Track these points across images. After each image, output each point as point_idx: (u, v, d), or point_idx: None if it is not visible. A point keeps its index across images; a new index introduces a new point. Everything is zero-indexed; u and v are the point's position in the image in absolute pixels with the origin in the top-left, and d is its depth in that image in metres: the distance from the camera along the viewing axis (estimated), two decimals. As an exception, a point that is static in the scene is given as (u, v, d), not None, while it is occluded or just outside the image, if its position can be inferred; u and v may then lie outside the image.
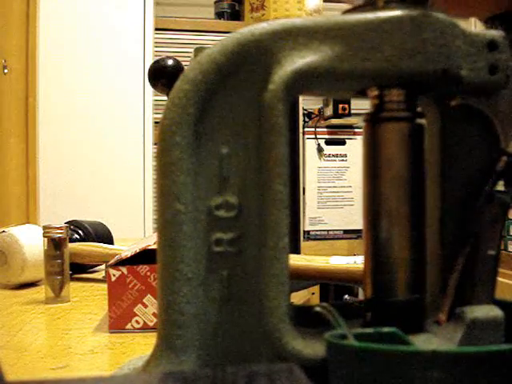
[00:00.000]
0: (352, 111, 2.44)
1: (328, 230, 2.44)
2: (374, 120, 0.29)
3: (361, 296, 2.26)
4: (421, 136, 0.29)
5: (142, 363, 0.30)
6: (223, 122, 0.29)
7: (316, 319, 0.30)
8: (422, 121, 0.29)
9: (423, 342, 0.27)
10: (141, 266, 0.52)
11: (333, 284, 2.00)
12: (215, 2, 2.49)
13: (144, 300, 0.52)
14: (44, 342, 0.50)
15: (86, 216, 1.01)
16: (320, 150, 2.43)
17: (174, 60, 0.61)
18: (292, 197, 0.28)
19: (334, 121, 2.44)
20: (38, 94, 1.95)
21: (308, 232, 2.42)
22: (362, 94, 0.31)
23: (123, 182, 2.02)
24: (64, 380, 0.24)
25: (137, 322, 0.52)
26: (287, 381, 0.22)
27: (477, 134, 0.31)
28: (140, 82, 2.02)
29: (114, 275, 0.52)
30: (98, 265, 0.86)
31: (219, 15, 2.47)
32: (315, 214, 2.43)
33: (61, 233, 0.65)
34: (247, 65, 0.29)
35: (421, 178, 0.29)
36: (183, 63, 0.62)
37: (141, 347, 0.48)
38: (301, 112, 2.33)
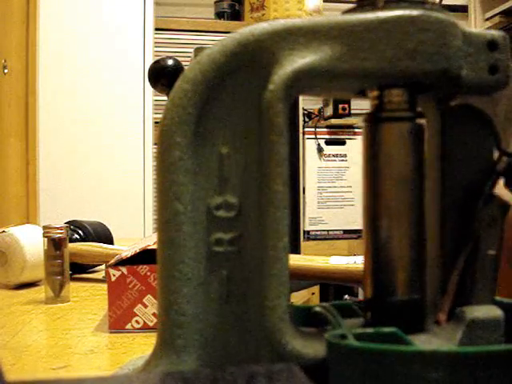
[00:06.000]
0: (352, 111, 2.44)
1: (328, 230, 2.44)
2: (373, 120, 0.29)
3: (361, 296, 2.26)
4: (421, 136, 0.29)
5: (142, 363, 0.30)
6: (223, 122, 0.29)
7: (316, 319, 0.30)
8: (422, 121, 0.29)
9: (423, 342, 0.27)
10: (141, 266, 0.52)
11: (333, 284, 2.01)
12: (215, 2, 2.49)
13: (144, 300, 0.52)
14: (44, 342, 0.50)
15: (86, 216, 1.00)
16: (320, 149, 2.43)
17: (174, 60, 0.61)
18: (292, 197, 0.28)
19: (334, 121, 2.44)
20: (38, 94, 1.95)
21: (308, 232, 2.43)
22: (361, 94, 0.31)
23: (123, 181, 2.01)
24: (64, 380, 0.24)
25: (137, 322, 0.52)
26: (287, 381, 0.22)
27: (477, 134, 0.31)
28: (140, 82, 2.02)
29: (113, 275, 0.52)
30: (98, 265, 0.86)
31: (219, 15, 2.47)
32: (315, 214, 2.43)
33: (61, 233, 0.65)
34: (247, 65, 0.29)
35: (421, 177, 0.29)
36: (183, 63, 0.62)
37: (141, 347, 0.48)
38: (301, 112, 2.33)
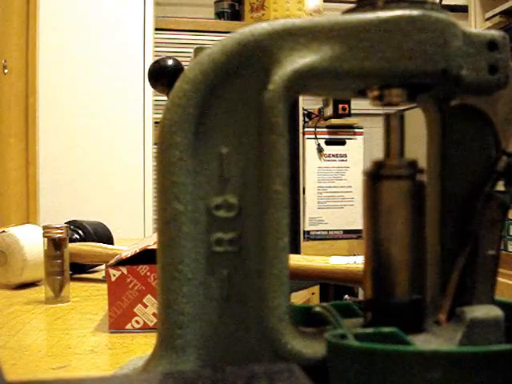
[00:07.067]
0: (352, 111, 2.44)
1: (328, 230, 2.44)
2: (373, 177, 0.29)
3: (361, 296, 2.26)
4: (421, 193, 0.29)
5: (142, 363, 0.30)
6: (223, 122, 0.29)
7: (316, 319, 0.30)
8: (423, 177, 0.29)
9: (423, 342, 0.27)
10: (141, 266, 0.52)
11: (333, 284, 2.01)
12: (215, 2, 2.49)
13: (144, 300, 0.52)
14: (44, 342, 0.50)
15: (86, 216, 1.00)
16: (320, 150, 2.43)
17: (174, 60, 0.61)
18: (292, 197, 0.28)
19: (334, 121, 2.44)
20: (38, 94, 1.95)
21: (308, 232, 2.43)
22: (361, 94, 0.31)
23: (123, 182, 2.01)
24: (64, 380, 0.24)
25: (137, 321, 0.52)
26: (287, 381, 0.22)
27: (477, 134, 0.31)
28: (140, 82, 2.02)
29: (113, 275, 0.52)
30: (98, 265, 0.86)
31: (219, 15, 2.47)
32: (315, 214, 2.43)
33: (61, 233, 0.65)
34: (247, 65, 0.29)
35: (422, 233, 0.29)
36: (183, 63, 0.62)
37: (141, 347, 0.48)
38: (301, 112, 2.33)
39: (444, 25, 0.28)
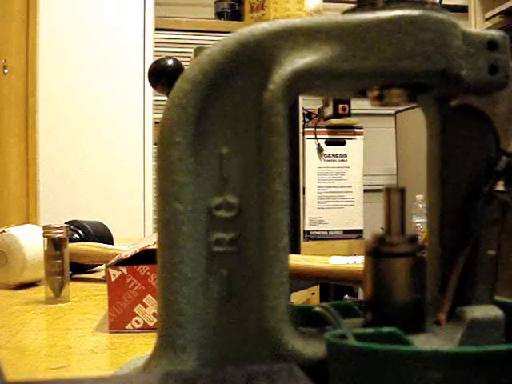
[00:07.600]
0: (352, 111, 2.44)
1: (328, 230, 2.44)
2: (375, 254, 0.29)
3: (361, 296, 2.26)
4: (422, 268, 0.29)
5: (142, 363, 0.30)
6: (223, 122, 0.29)
7: (316, 319, 0.30)
8: (424, 254, 0.29)
9: (423, 342, 0.27)
10: (141, 266, 0.52)
11: (333, 284, 2.01)
12: (215, 2, 2.49)
13: (144, 300, 0.52)
14: (44, 342, 0.50)
15: (86, 216, 1.00)
16: (320, 150, 2.43)
17: (174, 60, 0.61)
18: (292, 197, 0.28)
19: (334, 121, 2.44)
20: (38, 94, 1.95)
21: (308, 232, 2.43)
22: (362, 94, 0.31)
23: (123, 181, 2.01)
24: (64, 380, 0.24)
25: (137, 322, 0.52)
26: (287, 381, 0.22)
27: (477, 133, 0.31)
28: (140, 82, 2.02)
29: (113, 275, 0.52)
30: (98, 265, 0.86)
31: (219, 15, 2.47)
32: (315, 214, 2.43)
33: (61, 233, 0.65)
34: (247, 65, 0.29)
35: (422, 306, 0.29)
36: (183, 63, 0.62)
37: (141, 347, 0.48)
38: (301, 112, 2.33)
39: (444, 25, 0.28)
